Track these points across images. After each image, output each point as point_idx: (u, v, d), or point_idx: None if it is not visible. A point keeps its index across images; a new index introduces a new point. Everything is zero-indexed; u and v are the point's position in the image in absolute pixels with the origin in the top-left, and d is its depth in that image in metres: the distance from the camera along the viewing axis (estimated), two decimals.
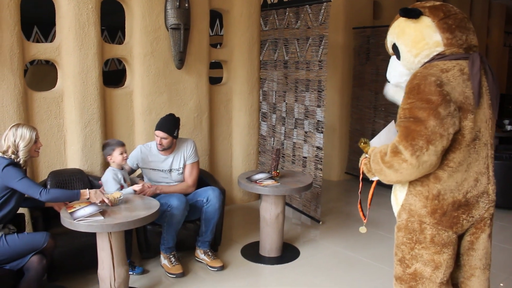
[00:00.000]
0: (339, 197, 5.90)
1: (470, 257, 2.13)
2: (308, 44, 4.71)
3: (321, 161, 4.67)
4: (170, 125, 3.70)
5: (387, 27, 2.24)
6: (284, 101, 5.14)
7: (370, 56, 6.14)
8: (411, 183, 2.04)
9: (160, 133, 3.67)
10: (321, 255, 4.01)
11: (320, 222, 4.76)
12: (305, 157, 4.89)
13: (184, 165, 3.85)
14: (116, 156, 3.45)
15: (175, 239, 3.63)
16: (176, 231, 3.59)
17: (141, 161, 3.78)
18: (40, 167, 3.93)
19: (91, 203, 2.95)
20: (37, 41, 7.61)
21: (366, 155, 2.15)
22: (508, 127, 7.11)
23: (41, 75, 6.81)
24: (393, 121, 2.36)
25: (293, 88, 5.00)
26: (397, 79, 2.21)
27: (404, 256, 2.08)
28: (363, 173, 2.20)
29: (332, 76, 6.19)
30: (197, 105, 4.80)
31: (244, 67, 5.19)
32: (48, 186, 3.69)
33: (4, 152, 2.88)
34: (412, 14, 2.02)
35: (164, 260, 3.65)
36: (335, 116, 6.44)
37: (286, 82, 5.10)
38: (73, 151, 4.03)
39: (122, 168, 3.55)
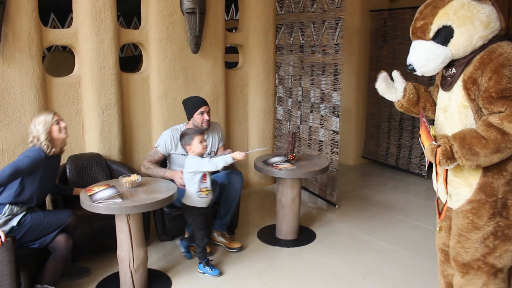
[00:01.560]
0: (355, 181, 5.89)
1: None
2: (324, 28, 4.67)
3: (337, 145, 4.66)
4: (204, 99, 3.81)
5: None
6: (300, 85, 5.12)
7: (387, 39, 6.05)
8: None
9: (206, 107, 3.73)
10: (337, 238, 4.02)
11: (336, 206, 4.77)
12: (321, 141, 4.88)
13: (217, 148, 3.92)
14: (195, 145, 3.27)
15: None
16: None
17: (174, 147, 3.69)
18: None
19: (110, 186, 3.00)
20: (54, 28, 7.66)
21: (433, 143, 2.08)
22: None
23: (58, 61, 6.88)
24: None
25: (309, 72, 4.97)
26: (436, 65, 2.15)
27: (484, 236, 2.13)
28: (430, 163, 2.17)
29: (349, 60, 6.13)
30: (213, 89, 4.81)
31: (259, 51, 5.18)
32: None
33: (31, 142, 2.95)
34: None
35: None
36: (351, 100, 6.39)
37: (302, 66, 5.07)
38: (91, 135, 4.09)
39: (202, 156, 3.35)
